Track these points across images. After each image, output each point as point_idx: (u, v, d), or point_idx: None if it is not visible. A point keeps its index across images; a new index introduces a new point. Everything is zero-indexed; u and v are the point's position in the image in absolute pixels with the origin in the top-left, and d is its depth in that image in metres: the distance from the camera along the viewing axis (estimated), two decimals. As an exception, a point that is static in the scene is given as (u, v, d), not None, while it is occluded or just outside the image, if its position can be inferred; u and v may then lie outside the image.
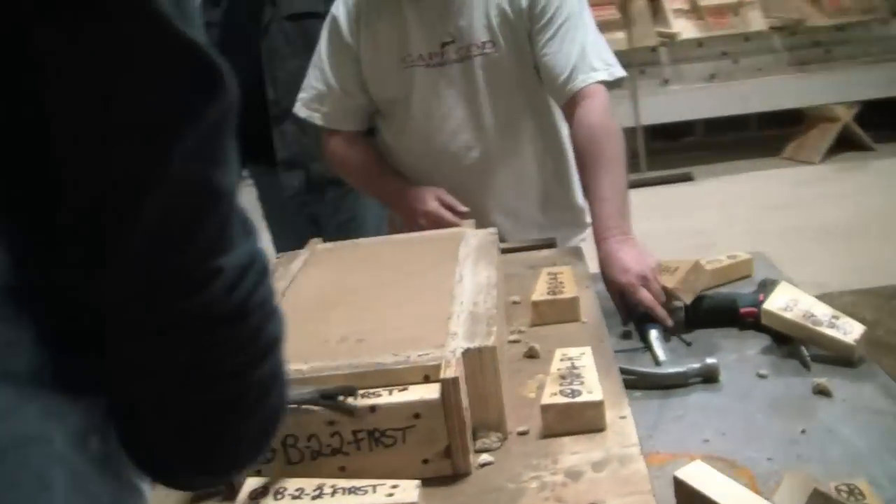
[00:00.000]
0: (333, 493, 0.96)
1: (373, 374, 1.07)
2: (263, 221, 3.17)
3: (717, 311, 1.58)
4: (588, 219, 2.04)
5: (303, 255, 1.57)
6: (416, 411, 1.02)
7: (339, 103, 1.99)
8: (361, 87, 1.96)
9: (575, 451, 1.05)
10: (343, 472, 1.04)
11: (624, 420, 1.11)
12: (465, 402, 1.04)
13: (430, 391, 1.02)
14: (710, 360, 1.40)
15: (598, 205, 1.70)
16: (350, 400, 1.02)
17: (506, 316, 1.46)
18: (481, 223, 1.86)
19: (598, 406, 1.09)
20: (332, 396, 1.01)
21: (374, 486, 0.96)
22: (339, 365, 1.08)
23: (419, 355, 1.08)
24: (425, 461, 1.04)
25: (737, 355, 1.49)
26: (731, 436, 1.24)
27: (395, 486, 0.96)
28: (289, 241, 3.08)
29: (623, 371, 1.30)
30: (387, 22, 1.88)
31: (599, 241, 1.66)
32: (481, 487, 1.01)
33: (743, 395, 1.35)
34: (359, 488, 0.96)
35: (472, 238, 1.54)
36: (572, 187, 2.06)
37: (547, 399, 1.10)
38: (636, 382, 1.39)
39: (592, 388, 1.11)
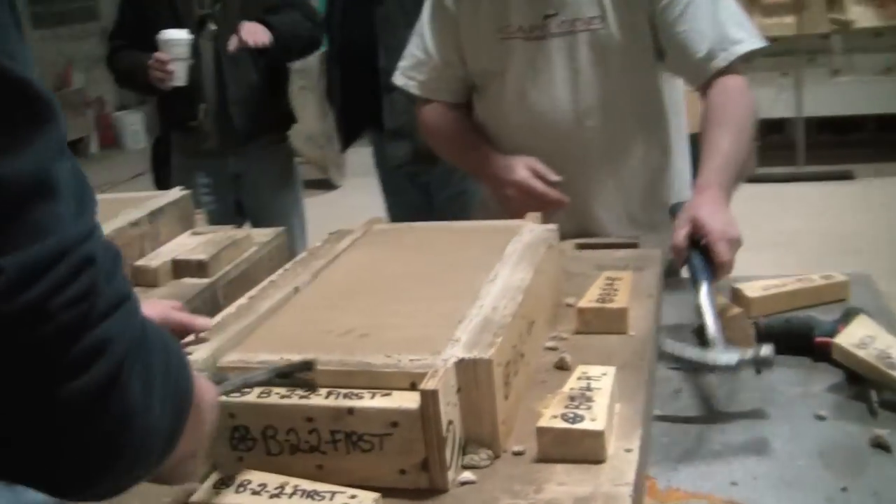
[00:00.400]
0: (292, 495, 0.93)
1: (360, 374, 1.03)
2: (380, 187, 3.18)
3: (791, 336, 1.44)
4: None
5: (354, 234, 1.54)
6: (393, 419, 0.97)
7: (435, 72, 1.93)
8: (460, 57, 1.89)
9: (562, 482, 0.97)
10: (321, 471, 1.01)
11: (628, 454, 1.02)
12: (451, 414, 0.98)
13: (411, 400, 0.96)
14: (765, 350, 1.24)
15: (711, 155, 1.56)
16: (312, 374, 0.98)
17: (550, 320, 1.38)
18: (576, 214, 1.77)
19: (597, 436, 1.00)
20: (287, 374, 0.97)
21: (333, 493, 0.92)
22: (328, 360, 1.04)
23: (411, 360, 1.03)
24: (402, 471, 0.99)
25: (801, 390, 1.35)
26: (763, 481, 1.12)
27: (353, 497, 0.92)
28: (402, 209, 3.10)
29: (669, 357, 1.27)
30: None
31: (699, 189, 1.53)
32: (454, 508, 0.95)
33: (793, 436, 1.22)
34: (318, 493, 0.93)
35: (527, 233, 1.46)
36: (675, 187, 1.92)
37: (545, 421, 1.03)
38: (682, 367, 1.30)
39: (597, 415, 1.02)
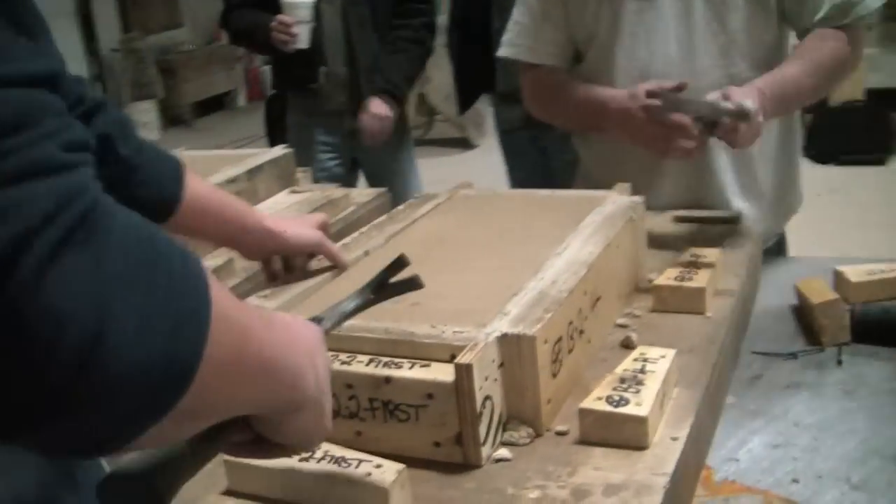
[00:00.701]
0: (320, 459, 0.94)
1: (402, 343, 1.02)
2: (500, 150, 3.17)
3: (888, 326, 1.34)
4: None
5: (437, 199, 1.53)
6: (429, 391, 0.96)
7: (541, 36, 1.84)
8: (566, 19, 1.83)
9: (598, 467, 0.94)
10: (359, 438, 1.02)
11: (674, 442, 0.97)
12: (489, 390, 0.97)
13: (447, 373, 0.95)
14: (746, 103, 1.38)
15: (774, 72, 1.56)
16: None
17: (624, 296, 1.33)
18: (692, 183, 1.70)
19: (640, 422, 0.96)
20: (383, 285, 0.94)
21: (360, 462, 0.93)
22: (374, 327, 1.04)
23: (454, 332, 1.01)
24: (437, 444, 0.98)
25: (890, 386, 1.25)
26: (827, 481, 1.05)
27: (378, 466, 0.92)
28: (521, 171, 3.07)
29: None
30: None
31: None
32: (480, 485, 0.94)
33: (870, 435, 1.13)
34: (346, 459, 0.93)
35: (609, 205, 1.41)
36: (784, 178, 1.81)
37: (588, 402, 0.99)
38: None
39: (643, 400, 0.98)
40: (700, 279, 1.31)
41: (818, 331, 1.38)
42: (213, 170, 1.81)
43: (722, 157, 1.72)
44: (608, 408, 0.98)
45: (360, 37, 2.92)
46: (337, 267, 1.27)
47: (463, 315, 1.05)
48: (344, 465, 0.93)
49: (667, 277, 1.32)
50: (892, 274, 1.50)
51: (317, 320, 0.84)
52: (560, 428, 1.02)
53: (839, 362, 1.32)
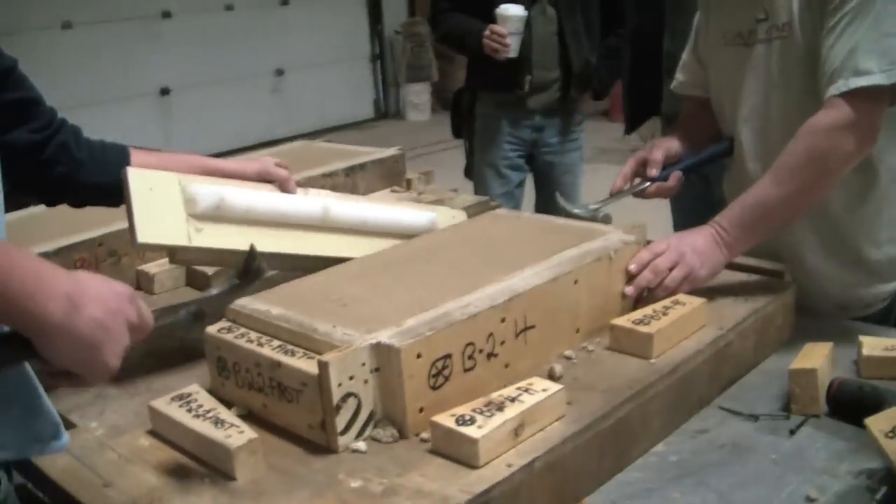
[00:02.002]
0: (206, 418, 1.13)
1: (305, 336, 1.18)
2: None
3: (858, 405, 1.28)
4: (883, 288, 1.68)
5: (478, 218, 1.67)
6: (303, 380, 1.12)
7: (693, 73, 1.87)
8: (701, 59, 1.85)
9: (425, 475, 1.06)
10: (266, 409, 1.20)
11: (507, 468, 1.05)
12: (354, 388, 1.10)
13: (314, 366, 1.10)
14: (602, 212, 1.62)
15: (746, 194, 1.52)
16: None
17: (582, 330, 1.39)
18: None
19: (472, 442, 1.05)
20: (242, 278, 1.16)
21: (231, 426, 1.10)
22: (291, 318, 1.21)
23: (344, 333, 1.16)
24: (310, 426, 1.14)
25: (847, 465, 1.21)
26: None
27: (241, 433, 1.09)
28: (684, 201, 3.06)
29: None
30: None
31: (707, 224, 1.53)
32: (325, 467, 1.09)
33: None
34: (223, 422, 1.12)
35: (600, 240, 1.46)
36: (877, 236, 1.65)
37: (441, 417, 1.10)
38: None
39: (487, 424, 1.07)
40: (657, 325, 1.33)
41: (790, 398, 1.35)
42: (321, 162, 2.05)
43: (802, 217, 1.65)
44: (452, 425, 1.08)
45: (575, 45, 3.13)
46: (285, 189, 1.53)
47: (373, 321, 1.19)
48: (218, 426, 1.11)
49: (627, 318, 1.36)
50: (910, 354, 1.41)
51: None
52: (425, 436, 1.13)
53: (791, 432, 1.29)
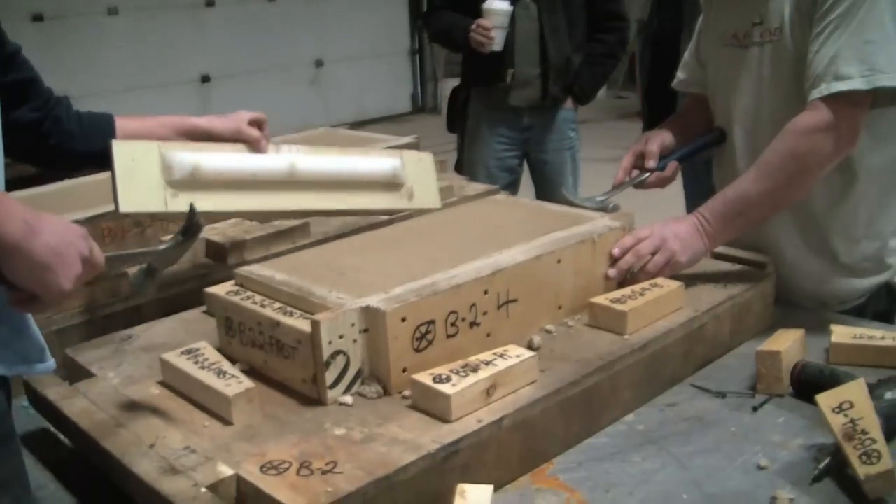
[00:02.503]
0: (209, 369, 1.25)
1: (303, 299, 1.30)
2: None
3: (819, 387, 1.36)
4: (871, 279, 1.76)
5: (477, 202, 1.77)
6: (298, 338, 1.23)
7: (693, 71, 1.97)
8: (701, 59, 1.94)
9: (402, 426, 1.16)
10: (266, 365, 1.32)
11: (477, 423, 1.16)
12: (343, 346, 1.21)
13: (309, 325, 1.22)
14: (611, 203, 1.71)
15: (728, 188, 1.61)
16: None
17: (564, 306, 1.48)
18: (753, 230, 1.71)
19: (445, 398, 1.16)
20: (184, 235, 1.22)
21: (231, 376, 1.22)
22: (291, 283, 1.33)
23: (337, 297, 1.27)
24: (303, 380, 1.25)
25: (801, 440, 1.30)
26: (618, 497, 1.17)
27: (240, 383, 1.21)
28: (698, 198, 3.14)
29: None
30: None
31: (689, 215, 1.63)
32: (314, 416, 1.20)
33: (705, 476, 1.22)
34: (224, 373, 1.24)
35: (587, 224, 1.56)
36: (854, 234, 1.72)
37: (421, 375, 1.21)
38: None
39: (461, 382, 1.18)
40: (630, 304, 1.43)
41: (756, 378, 1.44)
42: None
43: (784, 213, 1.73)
44: (430, 382, 1.18)
45: (554, 42, 3.20)
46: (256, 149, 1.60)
47: (366, 287, 1.30)
48: (220, 376, 1.23)
49: (606, 297, 1.46)
50: (879, 342, 1.50)
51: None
52: (407, 393, 1.24)
53: (754, 409, 1.38)
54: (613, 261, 1.55)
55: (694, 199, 3.11)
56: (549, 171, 3.37)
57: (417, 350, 1.25)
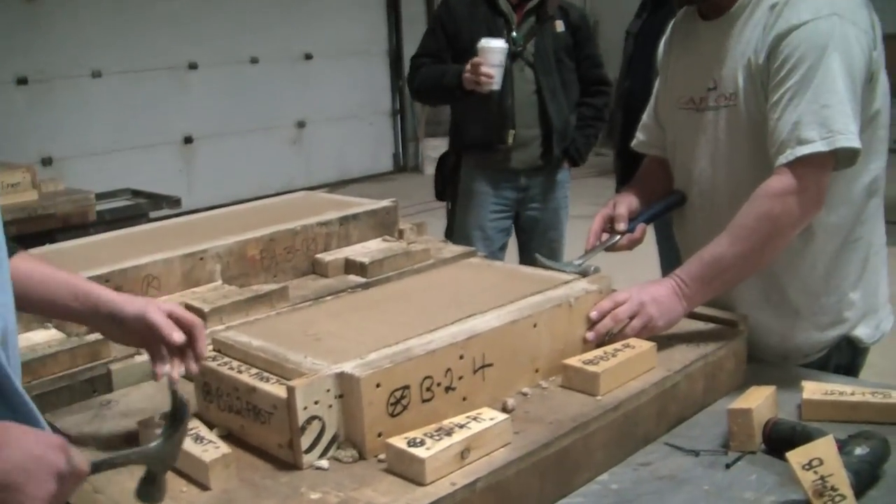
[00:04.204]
0: (189, 434, 1.26)
1: (278, 365, 1.32)
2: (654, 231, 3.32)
3: (791, 444, 1.38)
4: (829, 333, 1.80)
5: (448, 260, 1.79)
6: (274, 403, 1.25)
7: (651, 132, 2.03)
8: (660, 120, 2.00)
9: (377, 490, 1.18)
10: (242, 430, 1.33)
11: (451, 486, 1.17)
12: (318, 412, 1.23)
13: (284, 391, 1.23)
14: (592, 266, 1.72)
15: (694, 258, 1.65)
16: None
17: (541, 368, 1.50)
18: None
19: (420, 462, 1.17)
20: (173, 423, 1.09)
21: (210, 443, 1.23)
22: (267, 349, 1.35)
23: (313, 363, 1.29)
24: (279, 445, 1.27)
25: (774, 497, 1.32)
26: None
27: (216, 448, 1.22)
28: (670, 259, 3.20)
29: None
30: (679, 54, 1.89)
31: (665, 278, 1.66)
32: (290, 481, 1.21)
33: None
34: (202, 439, 1.25)
35: (562, 288, 1.59)
36: (833, 278, 1.76)
37: (395, 439, 1.22)
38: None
39: (435, 446, 1.19)
40: (603, 366, 1.45)
41: (729, 435, 1.46)
42: (316, 212, 2.20)
43: None
44: (404, 446, 1.20)
45: (554, 103, 3.25)
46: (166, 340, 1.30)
47: (340, 353, 1.32)
48: (197, 441, 1.24)
49: (579, 358, 1.49)
50: (850, 397, 1.52)
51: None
52: (382, 457, 1.25)
53: (727, 466, 1.40)
54: (592, 324, 1.57)
55: (668, 257, 3.16)
56: (542, 227, 3.42)
57: (392, 415, 1.27)
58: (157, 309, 1.31)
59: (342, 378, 1.25)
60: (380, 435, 1.26)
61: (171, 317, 1.31)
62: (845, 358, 1.82)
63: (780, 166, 1.60)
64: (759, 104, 1.68)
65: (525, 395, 1.46)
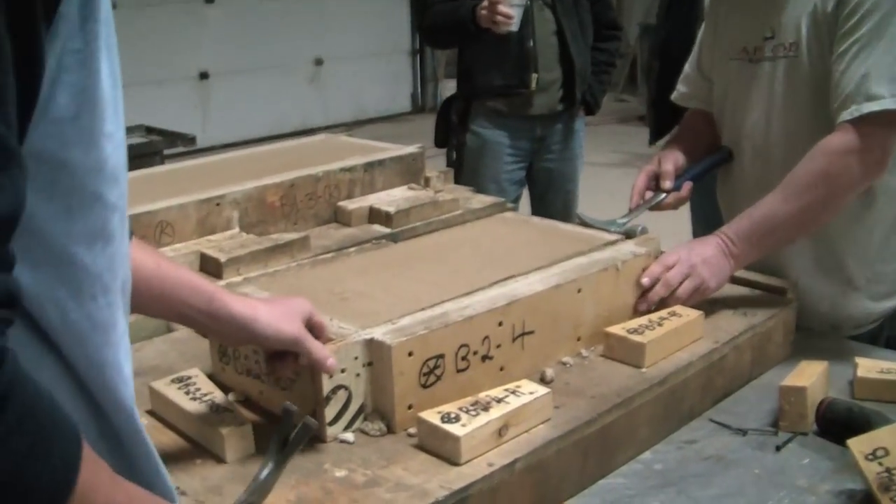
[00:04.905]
0: (202, 401, 1.17)
1: (303, 327, 1.21)
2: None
3: (846, 427, 1.29)
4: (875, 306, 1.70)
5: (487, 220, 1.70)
6: (296, 370, 1.15)
7: (695, 85, 1.91)
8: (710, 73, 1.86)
9: (407, 468, 1.09)
10: (262, 396, 1.24)
11: (488, 467, 1.08)
12: (345, 381, 1.13)
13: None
14: (639, 227, 1.59)
15: (752, 209, 1.54)
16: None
17: (583, 337, 1.40)
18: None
19: (455, 440, 1.08)
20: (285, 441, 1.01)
21: (225, 410, 1.15)
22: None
23: (340, 327, 1.19)
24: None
25: (829, 486, 1.22)
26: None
27: (234, 418, 1.13)
28: (704, 209, 3.08)
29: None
30: (727, 5, 1.76)
31: (712, 235, 1.55)
32: (315, 455, 1.12)
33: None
34: (217, 406, 1.16)
35: (610, 250, 1.48)
36: (868, 256, 1.66)
37: (427, 413, 1.13)
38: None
39: (471, 422, 1.10)
40: (648, 335, 1.35)
41: (779, 414, 1.36)
42: (339, 157, 2.09)
43: None
44: (437, 422, 1.11)
45: (574, 44, 3.09)
46: (318, 368, 1.12)
47: (371, 316, 1.22)
48: (213, 409, 1.15)
49: (622, 326, 1.38)
50: (904, 376, 1.42)
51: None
52: (412, 431, 1.16)
53: (777, 448, 1.31)
54: (643, 292, 1.47)
55: (704, 217, 3.04)
56: (558, 179, 3.26)
57: (424, 386, 1.18)
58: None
59: (372, 345, 1.15)
60: (410, 407, 1.17)
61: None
62: None
63: (842, 122, 1.48)
64: (823, 55, 1.55)
65: (565, 364, 1.36)
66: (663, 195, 1.75)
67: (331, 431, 1.14)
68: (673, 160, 1.78)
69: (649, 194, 1.76)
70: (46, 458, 0.58)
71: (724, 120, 1.80)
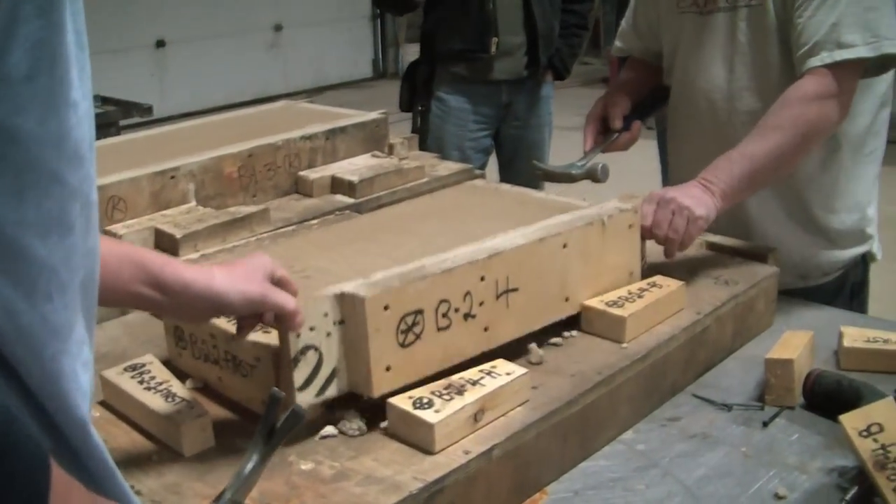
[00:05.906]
0: (157, 392, 1.09)
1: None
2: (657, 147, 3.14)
3: (835, 400, 1.24)
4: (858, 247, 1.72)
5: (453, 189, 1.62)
6: (256, 354, 1.07)
7: (630, 41, 1.93)
8: (653, 32, 1.85)
9: (378, 459, 1.02)
10: (220, 383, 1.16)
11: (464, 455, 1.01)
12: (315, 340, 1.04)
13: (270, 339, 1.05)
14: (599, 165, 1.61)
15: (720, 159, 1.49)
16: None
17: (582, 296, 1.32)
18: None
19: (428, 427, 1.01)
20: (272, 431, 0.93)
21: (183, 401, 1.06)
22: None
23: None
24: (264, 402, 1.07)
25: (820, 462, 1.17)
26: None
27: (191, 409, 1.05)
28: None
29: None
30: None
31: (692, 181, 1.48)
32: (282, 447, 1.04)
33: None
34: (174, 396, 1.07)
35: (594, 209, 1.39)
36: (858, 192, 1.67)
37: (398, 399, 1.06)
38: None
39: (445, 408, 1.03)
40: (629, 308, 1.29)
41: (765, 388, 1.31)
42: (298, 125, 1.99)
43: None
44: (409, 408, 1.03)
45: (539, 7, 2.99)
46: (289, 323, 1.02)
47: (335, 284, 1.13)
48: (169, 399, 1.07)
49: (601, 299, 1.32)
50: (890, 346, 1.38)
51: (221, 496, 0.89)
52: (384, 425, 1.08)
53: (764, 424, 1.26)
54: (661, 242, 1.43)
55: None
56: (526, 146, 3.16)
57: (403, 345, 1.08)
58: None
59: (343, 300, 1.05)
60: (388, 369, 1.07)
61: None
62: (860, 275, 1.75)
63: (813, 68, 1.47)
64: (786, 4, 1.53)
65: (556, 345, 1.28)
66: (615, 135, 1.75)
67: (300, 398, 1.04)
68: (618, 102, 1.77)
69: (600, 137, 1.75)
70: (9, 496, 0.49)
71: (674, 74, 1.79)
